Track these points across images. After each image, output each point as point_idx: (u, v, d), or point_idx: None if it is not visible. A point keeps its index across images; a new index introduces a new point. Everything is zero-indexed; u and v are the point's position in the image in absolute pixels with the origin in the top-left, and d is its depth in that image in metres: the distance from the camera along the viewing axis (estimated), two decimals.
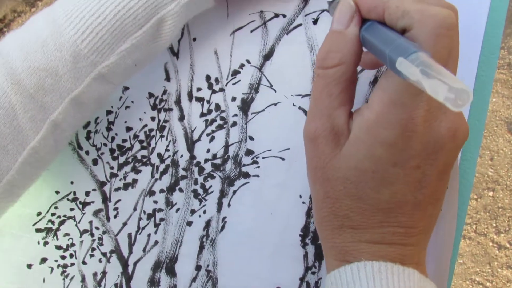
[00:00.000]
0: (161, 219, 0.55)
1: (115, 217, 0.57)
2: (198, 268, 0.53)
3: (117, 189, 0.57)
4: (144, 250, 0.55)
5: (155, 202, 0.56)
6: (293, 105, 0.52)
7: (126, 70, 0.51)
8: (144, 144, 0.57)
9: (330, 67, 0.38)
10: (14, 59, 0.47)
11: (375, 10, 0.37)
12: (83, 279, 0.56)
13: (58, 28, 0.47)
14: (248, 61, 0.55)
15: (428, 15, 0.33)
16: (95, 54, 0.47)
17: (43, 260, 0.58)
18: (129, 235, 0.56)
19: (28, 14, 3.32)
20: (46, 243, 0.58)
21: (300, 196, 0.51)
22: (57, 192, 0.59)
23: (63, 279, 0.57)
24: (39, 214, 0.59)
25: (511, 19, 2.08)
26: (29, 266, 0.58)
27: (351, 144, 0.37)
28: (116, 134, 0.59)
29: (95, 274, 0.56)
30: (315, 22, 0.53)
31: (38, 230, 0.59)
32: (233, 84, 0.55)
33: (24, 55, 0.47)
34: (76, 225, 0.58)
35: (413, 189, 0.37)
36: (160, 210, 0.55)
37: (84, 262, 0.57)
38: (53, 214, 0.59)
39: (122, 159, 0.58)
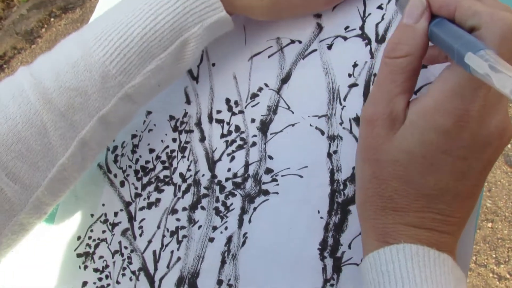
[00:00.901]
0: (184, 236, 0.57)
1: (140, 235, 0.59)
2: (219, 282, 0.55)
3: (141, 209, 0.60)
4: (168, 267, 0.57)
5: (178, 220, 0.58)
6: (310, 125, 0.55)
7: (150, 90, 0.54)
8: (166, 164, 0.60)
9: (398, 57, 0.40)
10: (46, 80, 0.50)
11: (447, 7, 0.39)
12: None
13: (88, 50, 0.50)
14: (266, 85, 0.58)
15: (497, 18, 0.35)
16: (122, 74, 0.51)
17: (84, 283, 0.61)
18: (154, 252, 0.58)
19: (28, 51, 3.37)
20: (85, 267, 0.61)
21: (318, 212, 0.53)
22: (92, 215, 0.62)
23: None
24: (79, 238, 0.63)
25: None
26: None
27: (406, 128, 0.39)
28: (140, 156, 0.62)
29: None
30: (329, 47, 0.57)
31: (79, 255, 0.62)
32: (252, 106, 0.58)
33: (55, 76, 0.50)
34: (108, 247, 0.61)
35: (456, 179, 0.39)
36: (183, 227, 0.58)
37: (118, 282, 0.59)
38: (89, 238, 0.62)
39: (145, 180, 0.61)
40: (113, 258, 0.60)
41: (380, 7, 0.55)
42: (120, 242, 0.60)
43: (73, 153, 0.52)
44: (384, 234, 0.41)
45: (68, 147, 0.51)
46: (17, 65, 3.32)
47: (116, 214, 0.61)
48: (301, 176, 0.55)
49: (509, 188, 1.93)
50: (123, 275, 0.59)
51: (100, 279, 0.60)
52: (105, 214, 0.62)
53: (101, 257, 0.61)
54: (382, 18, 0.55)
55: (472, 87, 0.36)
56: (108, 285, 0.60)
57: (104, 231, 0.61)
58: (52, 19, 3.54)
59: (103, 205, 0.62)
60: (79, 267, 0.62)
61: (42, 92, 0.49)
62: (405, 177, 0.39)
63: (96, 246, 0.61)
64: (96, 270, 0.61)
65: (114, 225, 0.61)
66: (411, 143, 0.38)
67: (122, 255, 0.60)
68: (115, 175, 0.63)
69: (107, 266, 0.60)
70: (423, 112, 0.38)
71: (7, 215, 0.50)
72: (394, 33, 0.42)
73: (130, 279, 0.59)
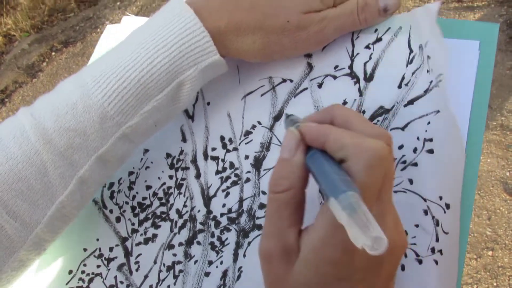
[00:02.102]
0: (180, 271, 0.59)
1: (137, 270, 0.61)
2: None
3: (138, 244, 0.62)
4: None
5: (174, 255, 0.60)
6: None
7: (147, 130, 0.56)
8: (163, 201, 0.62)
9: (280, 192, 0.41)
10: (46, 120, 0.52)
11: (318, 140, 0.41)
12: None
13: (87, 92, 0.52)
14: (259, 122, 0.61)
15: (362, 148, 0.37)
16: (120, 115, 0.53)
17: None
18: (151, 287, 0.59)
19: (29, 85, 3.41)
20: None
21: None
22: (85, 250, 0.64)
23: None
24: (70, 272, 0.64)
25: (501, 82, 2.16)
26: None
27: (301, 263, 0.39)
28: (137, 193, 0.64)
29: None
30: (320, 86, 0.59)
31: None
32: (246, 143, 0.60)
33: (55, 117, 0.52)
34: (103, 281, 0.62)
35: None
36: (179, 262, 0.59)
37: None
38: (82, 272, 0.63)
39: (142, 216, 0.62)
40: None
41: (367, 47, 0.58)
42: (115, 277, 0.61)
43: (72, 191, 0.53)
44: None
45: (67, 186, 0.53)
46: (18, 99, 3.35)
47: (111, 249, 0.62)
48: None
49: (508, 216, 1.95)
50: None
51: None
52: (100, 249, 0.63)
53: None
54: (370, 57, 0.57)
55: None
56: None
57: (98, 266, 0.62)
58: (53, 53, 3.58)
59: (97, 240, 0.64)
60: None
61: (42, 133, 0.51)
62: None
63: (90, 280, 0.62)
64: None
65: (109, 260, 0.62)
66: (308, 276, 0.39)
67: None
68: (111, 211, 0.64)
69: None
70: (312, 247, 0.39)
71: (7, 252, 0.52)
72: (275, 168, 0.43)
73: None
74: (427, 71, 0.54)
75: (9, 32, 3.86)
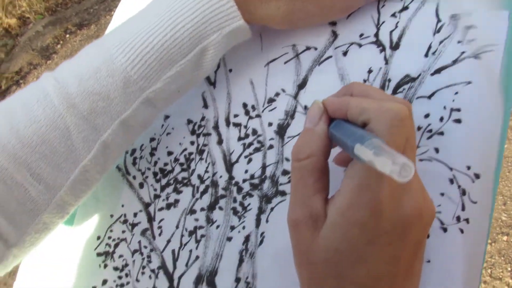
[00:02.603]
0: (202, 236, 0.60)
1: (159, 235, 0.61)
2: (237, 280, 0.57)
3: (160, 209, 0.62)
4: (186, 265, 0.59)
5: (196, 220, 0.60)
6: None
7: (170, 95, 0.56)
8: (185, 166, 0.63)
9: (303, 159, 0.43)
10: (70, 85, 0.52)
11: (340, 110, 0.43)
12: None
13: (110, 57, 0.52)
14: (283, 90, 0.61)
15: (383, 110, 0.38)
16: (143, 80, 0.53)
17: (104, 282, 0.63)
18: (173, 251, 0.60)
19: (43, 67, 3.41)
20: (105, 265, 0.63)
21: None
22: (111, 216, 0.65)
23: None
24: (98, 238, 0.65)
25: None
26: None
27: (328, 228, 0.40)
28: (159, 159, 0.64)
29: None
30: (344, 54, 0.59)
31: (98, 255, 0.64)
32: (269, 110, 0.61)
33: (78, 81, 0.52)
34: (128, 246, 0.63)
35: (387, 264, 0.39)
36: (201, 227, 0.60)
37: (137, 280, 0.61)
38: (109, 237, 0.64)
39: (164, 181, 0.63)
40: (132, 257, 0.62)
41: (393, 15, 0.58)
42: (139, 242, 0.62)
43: (95, 155, 0.54)
44: None
45: (91, 150, 0.53)
46: (32, 80, 3.33)
47: (135, 214, 0.63)
48: None
49: None
50: (143, 273, 0.61)
51: (120, 277, 0.62)
52: (125, 215, 0.64)
53: (120, 256, 0.63)
54: (396, 26, 0.57)
55: (376, 177, 0.38)
56: (128, 283, 0.61)
57: (123, 231, 0.63)
58: (67, 36, 3.57)
59: (122, 206, 0.64)
60: (99, 266, 0.64)
61: (65, 97, 0.51)
62: (338, 274, 0.40)
63: (116, 245, 0.63)
64: (116, 268, 0.63)
65: (133, 225, 0.63)
66: (336, 241, 0.39)
67: (141, 254, 0.62)
68: (134, 177, 0.65)
69: (126, 264, 0.62)
70: (339, 210, 0.39)
71: (31, 215, 0.52)
72: (298, 138, 0.45)
73: (150, 277, 0.60)
74: (458, 42, 0.53)
75: (23, 14, 3.84)
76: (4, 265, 0.54)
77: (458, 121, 0.52)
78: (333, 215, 0.40)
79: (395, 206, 0.38)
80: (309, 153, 0.43)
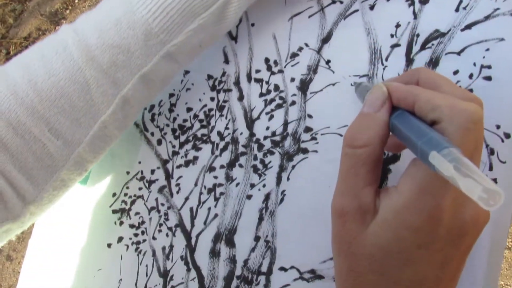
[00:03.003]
0: (221, 193, 0.59)
1: (177, 192, 0.61)
2: (257, 239, 0.56)
3: (178, 166, 0.62)
4: (205, 223, 0.59)
5: (215, 177, 0.60)
6: (351, 85, 0.56)
7: (192, 50, 0.55)
8: (204, 123, 0.62)
9: (358, 147, 0.40)
10: (89, 37, 0.51)
11: (406, 100, 0.40)
12: (153, 254, 0.60)
13: (131, 8, 0.51)
14: (307, 44, 0.59)
15: (458, 110, 0.35)
16: (165, 33, 0.52)
17: (120, 239, 0.63)
18: (191, 209, 0.60)
19: (52, 32, 3.40)
20: (121, 223, 0.63)
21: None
22: (127, 173, 0.64)
23: (137, 255, 0.61)
24: (114, 195, 0.65)
25: None
26: (109, 245, 0.63)
27: (378, 225, 0.38)
28: (178, 115, 0.63)
29: (163, 248, 0.60)
30: (371, 8, 0.57)
31: (114, 212, 0.64)
32: (292, 66, 0.59)
33: (98, 33, 0.51)
34: (144, 204, 0.62)
35: (435, 269, 0.38)
36: (220, 184, 0.59)
37: (154, 238, 0.61)
38: (125, 194, 0.64)
39: (183, 138, 0.62)
40: (149, 214, 0.62)
41: None
42: (156, 199, 0.62)
43: (114, 110, 0.53)
44: None
45: (110, 105, 0.53)
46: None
47: (152, 171, 0.63)
48: (341, 135, 0.56)
49: None
50: (160, 231, 0.61)
51: (136, 235, 0.62)
52: (142, 172, 0.63)
53: (137, 213, 0.62)
54: None
55: (440, 183, 0.36)
56: (144, 240, 0.61)
57: (140, 188, 0.63)
58: (76, 1, 3.56)
59: (139, 162, 0.64)
60: (115, 223, 0.63)
61: (85, 49, 0.50)
62: (382, 271, 0.39)
63: (132, 202, 0.63)
64: (132, 226, 0.62)
65: (151, 182, 0.62)
66: (385, 240, 0.38)
67: (158, 211, 0.61)
68: (152, 134, 0.64)
69: (143, 222, 0.62)
70: (394, 210, 0.38)
71: (49, 171, 0.52)
72: (354, 121, 0.42)
73: (167, 235, 0.60)
74: None
75: None
76: (21, 222, 0.53)
77: (488, 78, 0.51)
78: (386, 212, 0.38)
79: (455, 214, 0.37)
80: (366, 141, 0.40)
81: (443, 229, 0.37)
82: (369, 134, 0.40)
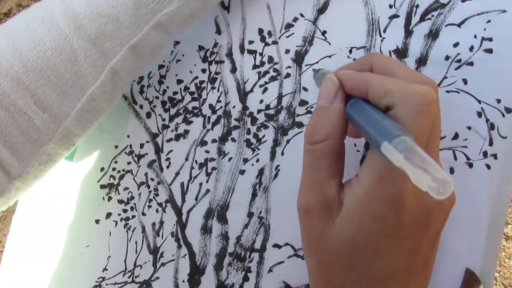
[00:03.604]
0: (213, 168, 0.58)
1: (167, 167, 0.60)
2: (250, 215, 0.56)
3: (169, 140, 0.61)
4: (196, 199, 0.58)
5: (207, 151, 0.59)
6: (348, 57, 0.55)
7: (183, 20, 0.54)
8: (195, 95, 0.61)
9: (318, 142, 0.40)
10: (77, 5, 0.49)
11: (358, 88, 0.40)
12: (143, 230, 0.60)
13: None
14: (302, 15, 0.58)
15: (409, 94, 0.36)
16: (155, 1, 0.50)
17: (108, 215, 0.62)
18: (182, 184, 0.59)
19: None
20: (109, 198, 0.62)
21: (355, 145, 0.53)
22: (116, 147, 0.63)
23: (126, 231, 0.60)
24: (102, 169, 0.63)
25: None
26: (97, 221, 0.62)
27: (343, 218, 0.38)
28: (168, 87, 0.62)
29: (153, 225, 0.59)
30: None
31: (102, 187, 0.63)
32: (287, 37, 0.58)
33: (86, 2, 0.49)
34: (133, 178, 0.61)
35: (405, 258, 0.38)
36: (212, 159, 0.58)
37: (143, 214, 0.60)
38: (113, 169, 0.63)
39: (173, 111, 0.61)
40: (138, 189, 0.61)
41: None
42: (146, 174, 0.61)
43: (103, 82, 0.52)
44: None
45: (98, 76, 0.51)
46: None
47: (142, 145, 0.62)
48: None
49: None
50: (149, 207, 0.60)
51: (125, 211, 0.61)
52: (130, 146, 0.62)
53: (126, 188, 0.62)
54: None
55: (399, 170, 0.35)
56: (133, 216, 0.61)
57: (129, 163, 0.62)
58: None
59: (128, 136, 0.63)
60: (103, 199, 0.63)
61: (72, 18, 0.49)
62: (352, 265, 0.39)
63: (121, 177, 0.62)
64: (120, 201, 0.61)
65: (140, 156, 0.61)
66: (351, 232, 0.38)
67: (148, 186, 0.60)
68: (141, 106, 0.63)
69: (132, 197, 0.61)
70: (357, 200, 0.38)
71: (35, 145, 0.50)
72: (312, 117, 0.42)
73: (157, 210, 0.59)
74: None
75: None
76: (7, 198, 0.52)
77: (489, 51, 0.50)
78: (350, 204, 0.38)
79: (418, 200, 0.37)
80: (324, 135, 0.40)
81: (408, 216, 0.37)
82: (327, 127, 0.40)
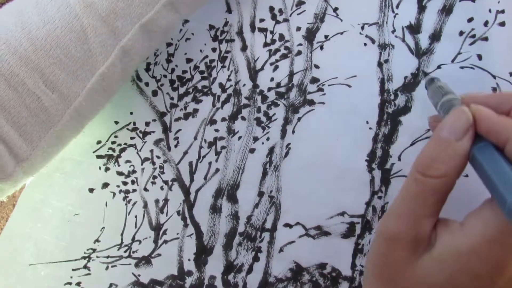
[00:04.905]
0: (223, 147, 0.59)
1: (175, 146, 0.60)
2: (260, 194, 0.57)
3: (177, 119, 0.61)
4: (205, 178, 0.59)
5: (217, 130, 0.60)
6: (360, 33, 0.56)
7: (195, 0, 0.55)
8: (205, 74, 0.61)
9: (432, 177, 0.37)
10: None
11: (497, 135, 0.36)
12: (145, 205, 0.60)
13: None
14: None
15: None
16: None
17: (105, 185, 0.62)
18: (190, 163, 0.59)
19: None
20: (107, 169, 0.62)
21: (367, 122, 0.54)
22: (116, 122, 0.63)
23: (125, 204, 0.60)
24: (99, 142, 0.63)
25: None
26: (91, 190, 0.62)
27: (433, 262, 0.36)
28: (176, 66, 0.63)
29: (157, 201, 0.60)
30: None
31: (98, 157, 0.63)
32: (298, 14, 0.59)
33: None
34: (137, 153, 0.62)
35: None
36: (222, 138, 0.59)
37: (146, 189, 0.60)
38: (113, 143, 0.63)
39: (182, 90, 0.62)
40: (142, 165, 0.61)
41: None
42: (152, 151, 0.61)
43: (113, 62, 0.52)
44: None
45: (109, 56, 0.51)
46: None
47: (147, 123, 0.62)
48: (350, 86, 0.56)
49: None
50: (153, 183, 0.60)
51: (125, 183, 0.61)
52: (134, 123, 0.62)
53: (128, 161, 0.62)
54: None
55: None
56: (134, 190, 0.61)
57: (132, 138, 0.62)
58: None
59: (131, 113, 0.63)
60: (99, 168, 0.63)
61: None
62: None
63: (122, 150, 0.62)
64: (120, 173, 0.62)
65: (145, 133, 0.62)
66: (438, 280, 0.36)
67: (153, 163, 0.61)
68: (147, 84, 0.63)
69: (134, 171, 0.61)
70: (457, 252, 0.35)
71: (44, 127, 0.50)
72: (430, 147, 0.38)
73: (162, 188, 0.60)
74: None
75: None
76: (14, 182, 0.52)
77: (502, 24, 0.51)
78: (445, 250, 0.36)
79: None
80: (443, 172, 0.37)
81: (504, 280, 0.35)
82: (447, 165, 0.37)
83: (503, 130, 0.35)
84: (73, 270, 0.60)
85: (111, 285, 0.59)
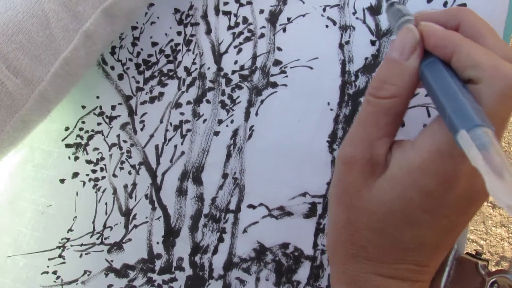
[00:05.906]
0: (188, 130, 0.60)
1: (141, 129, 0.62)
2: (225, 176, 0.58)
3: (143, 103, 0.62)
4: (171, 161, 0.60)
5: (182, 114, 0.61)
6: (322, 15, 0.57)
7: None
8: (170, 58, 0.63)
9: (383, 98, 0.38)
10: None
11: (443, 49, 0.37)
12: (114, 192, 0.62)
13: None
14: None
15: (500, 73, 0.33)
16: None
17: (75, 174, 0.63)
18: (156, 146, 0.61)
19: None
20: (76, 158, 0.64)
21: (328, 103, 0.55)
22: (83, 107, 0.64)
23: (95, 192, 0.62)
24: (67, 129, 0.64)
25: None
26: (62, 181, 0.64)
27: (387, 181, 0.38)
28: (142, 49, 0.64)
29: (125, 186, 0.61)
30: None
31: (68, 146, 0.64)
32: None
33: None
34: (104, 139, 0.63)
35: (436, 235, 0.38)
36: (187, 121, 0.60)
37: (114, 175, 0.62)
38: (81, 129, 0.64)
39: (148, 74, 0.63)
40: (109, 151, 0.63)
41: None
42: (118, 136, 0.63)
43: (76, 46, 0.53)
44: (355, 282, 0.41)
45: (71, 40, 0.52)
46: None
47: (113, 107, 0.63)
48: (311, 68, 0.57)
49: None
50: (121, 168, 0.62)
51: (94, 171, 0.63)
52: (100, 107, 0.64)
53: (95, 149, 0.63)
54: None
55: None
56: (103, 177, 0.62)
57: (99, 123, 0.63)
58: None
59: (97, 97, 0.64)
60: (69, 158, 0.64)
61: None
62: (381, 230, 0.38)
63: (90, 137, 0.63)
64: (89, 162, 0.63)
65: (111, 118, 0.63)
66: (391, 197, 0.37)
67: (120, 148, 0.62)
68: (112, 67, 0.64)
69: (102, 158, 0.63)
70: (407, 169, 0.36)
71: (9, 111, 0.51)
72: (381, 68, 0.40)
73: (129, 172, 0.61)
74: None
75: None
76: None
77: (463, 5, 0.52)
78: (397, 170, 0.37)
79: (470, 183, 0.36)
80: (393, 92, 0.38)
81: (454, 196, 0.36)
82: (397, 84, 0.38)
83: (449, 44, 0.36)
84: (49, 259, 0.62)
85: (85, 272, 0.61)
